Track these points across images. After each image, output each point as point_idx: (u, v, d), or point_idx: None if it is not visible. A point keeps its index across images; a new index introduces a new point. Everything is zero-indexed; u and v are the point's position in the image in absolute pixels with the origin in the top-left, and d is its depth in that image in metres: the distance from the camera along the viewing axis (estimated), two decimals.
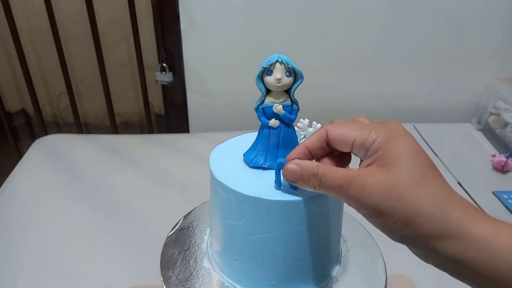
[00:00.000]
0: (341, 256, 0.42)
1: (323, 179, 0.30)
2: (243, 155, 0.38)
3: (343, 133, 0.32)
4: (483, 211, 0.28)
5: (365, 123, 0.33)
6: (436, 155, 0.94)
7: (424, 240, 0.27)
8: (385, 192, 0.27)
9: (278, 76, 0.34)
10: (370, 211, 0.28)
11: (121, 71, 1.27)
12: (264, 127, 0.37)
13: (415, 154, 0.29)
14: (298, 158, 0.33)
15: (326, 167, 0.30)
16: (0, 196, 0.77)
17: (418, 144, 0.30)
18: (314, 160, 0.34)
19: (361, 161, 0.32)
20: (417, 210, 0.27)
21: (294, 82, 0.35)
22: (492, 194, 0.81)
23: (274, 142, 0.37)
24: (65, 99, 1.12)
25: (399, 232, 0.28)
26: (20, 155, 1.09)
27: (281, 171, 0.33)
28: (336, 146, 0.33)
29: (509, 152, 0.88)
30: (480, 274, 0.26)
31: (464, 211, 0.27)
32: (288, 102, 0.36)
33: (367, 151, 0.30)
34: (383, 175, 0.28)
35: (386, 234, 0.29)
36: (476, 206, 0.27)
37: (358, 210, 0.29)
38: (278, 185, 0.34)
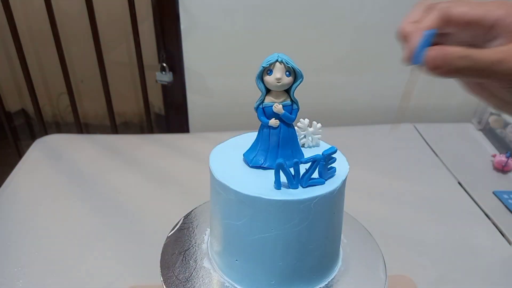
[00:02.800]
0: (341, 256, 0.42)
1: (474, 57, 0.29)
2: (243, 155, 0.38)
3: (464, 11, 0.30)
4: None
5: (477, 1, 0.31)
6: (436, 155, 0.94)
7: None
8: None
9: (278, 75, 0.34)
10: None
11: (121, 71, 1.27)
12: (264, 126, 0.37)
13: None
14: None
15: (472, 49, 0.29)
16: (0, 196, 0.77)
17: None
18: None
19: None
20: None
21: (294, 81, 0.35)
22: (493, 194, 0.81)
23: (274, 142, 0.36)
24: (65, 99, 1.12)
25: None
26: (20, 155, 1.09)
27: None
28: (453, 29, 0.31)
29: (509, 152, 0.88)
30: None
31: None
32: (288, 101, 0.36)
33: (491, 29, 0.30)
34: None
35: None
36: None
37: None
38: (278, 185, 0.34)
